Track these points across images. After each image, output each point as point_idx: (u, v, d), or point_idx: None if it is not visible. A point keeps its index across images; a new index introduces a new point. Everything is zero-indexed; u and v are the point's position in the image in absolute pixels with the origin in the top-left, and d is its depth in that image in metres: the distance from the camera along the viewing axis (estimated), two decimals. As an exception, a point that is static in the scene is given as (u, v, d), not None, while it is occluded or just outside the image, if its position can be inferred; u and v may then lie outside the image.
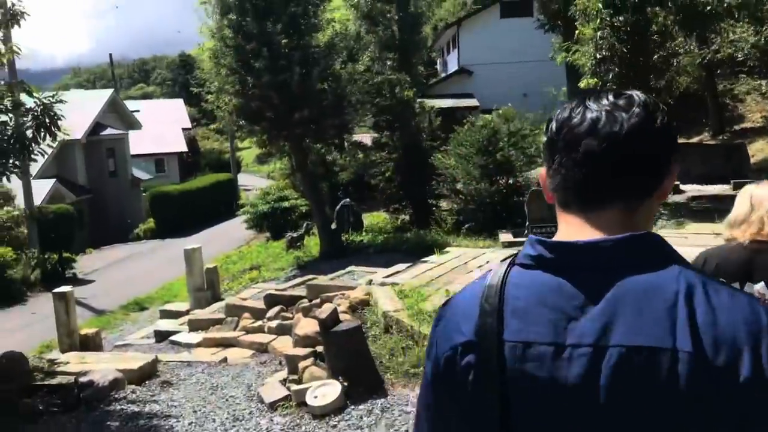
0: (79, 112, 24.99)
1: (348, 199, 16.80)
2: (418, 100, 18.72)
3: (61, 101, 6.64)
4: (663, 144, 1.01)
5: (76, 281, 17.39)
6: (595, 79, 11.37)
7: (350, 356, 5.40)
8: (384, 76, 17.47)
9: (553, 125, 1.04)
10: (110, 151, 28.43)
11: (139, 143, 33.58)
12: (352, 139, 18.89)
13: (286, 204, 19.52)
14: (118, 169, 28.82)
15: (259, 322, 8.56)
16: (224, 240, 23.12)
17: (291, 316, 8.32)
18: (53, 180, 23.44)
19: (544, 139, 1.07)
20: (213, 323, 9.33)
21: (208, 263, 12.92)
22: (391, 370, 5.69)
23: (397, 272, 9.36)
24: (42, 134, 6.60)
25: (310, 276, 10.69)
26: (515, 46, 27.18)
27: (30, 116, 6.72)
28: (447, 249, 10.92)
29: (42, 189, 21.75)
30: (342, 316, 6.30)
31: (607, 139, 0.97)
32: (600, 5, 10.44)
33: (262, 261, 16.14)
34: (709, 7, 10.50)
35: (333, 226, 15.01)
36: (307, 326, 6.70)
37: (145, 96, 71.19)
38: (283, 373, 6.19)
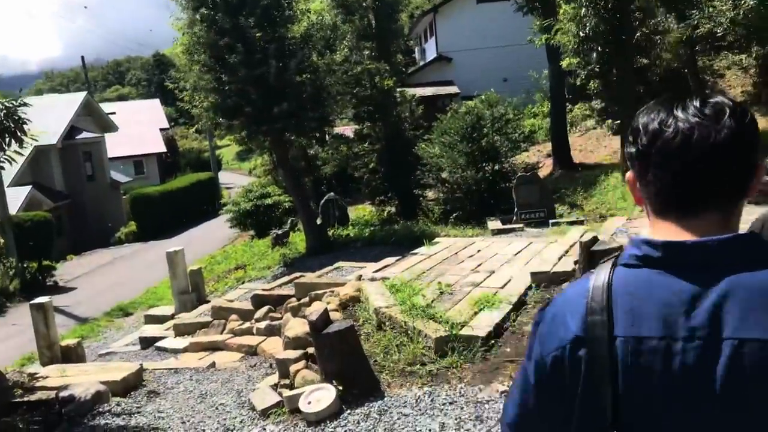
0: (53, 116, 24.51)
1: (332, 193, 16.54)
2: (398, 89, 18.49)
3: (24, 104, 6.28)
4: (752, 148, 1.03)
5: (57, 289, 17.01)
6: (578, 59, 11.19)
7: (343, 358, 5.14)
8: (363, 66, 17.21)
9: (643, 138, 1.05)
10: (87, 155, 27.91)
11: (116, 145, 33.06)
12: (333, 132, 18.60)
13: (269, 201, 19.19)
14: (95, 172, 28.30)
15: (247, 324, 8.33)
16: (208, 240, 22.79)
17: (279, 316, 8.08)
18: (29, 187, 22.93)
19: (633, 150, 1.08)
20: (199, 327, 9.09)
21: (192, 265, 12.64)
22: (387, 369, 5.44)
23: (387, 266, 9.11)
24: (7, 140, 6.25)
25: (298, 274, 10.42)
26: (493, 31, 27.03)
27: (-8, 122, 6.37)
28: (436, 240, 10.70)
29: (18, 196, 21.27)
30: (332, 315, 6.06)
31: (701, 153, 1.00)
32: (582, -17, 10.25)
33: (247, 260, 15.84)
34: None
35: (318, 221, 14.75)
36: (296, 327, 6.45)
37: (121, 97, 70.25)
38: (274, 377, 5.94)
